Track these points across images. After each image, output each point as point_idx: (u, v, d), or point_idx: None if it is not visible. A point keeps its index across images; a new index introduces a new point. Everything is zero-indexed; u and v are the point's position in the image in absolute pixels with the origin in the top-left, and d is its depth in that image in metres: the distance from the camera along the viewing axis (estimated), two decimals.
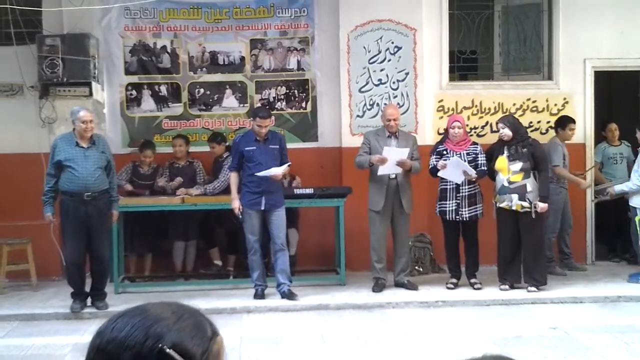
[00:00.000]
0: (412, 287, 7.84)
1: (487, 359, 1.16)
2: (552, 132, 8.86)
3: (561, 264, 8.74)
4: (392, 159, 7.54)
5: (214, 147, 8.58)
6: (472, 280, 7.87)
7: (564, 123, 8.65)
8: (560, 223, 8.60)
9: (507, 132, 7.61)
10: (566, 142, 8.62)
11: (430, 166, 7.79)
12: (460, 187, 7.65)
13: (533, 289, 7.61)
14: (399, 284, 7.91)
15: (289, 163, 7.61)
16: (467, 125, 8.61)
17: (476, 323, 6.79)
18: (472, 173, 7.54)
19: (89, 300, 7.22)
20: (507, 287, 7.70)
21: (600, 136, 9.42)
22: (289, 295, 7.45)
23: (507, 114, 8.63)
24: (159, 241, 8.62)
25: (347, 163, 8.45)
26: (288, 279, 7.53)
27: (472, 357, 1.19)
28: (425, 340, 6.25)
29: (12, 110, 8.57)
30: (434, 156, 7.82)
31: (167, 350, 1.18)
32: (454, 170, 7.55)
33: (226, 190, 7.98)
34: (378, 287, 7.79)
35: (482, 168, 7.69)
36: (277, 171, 7.35)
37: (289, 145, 8.14)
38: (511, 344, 6.05)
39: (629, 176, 8.33)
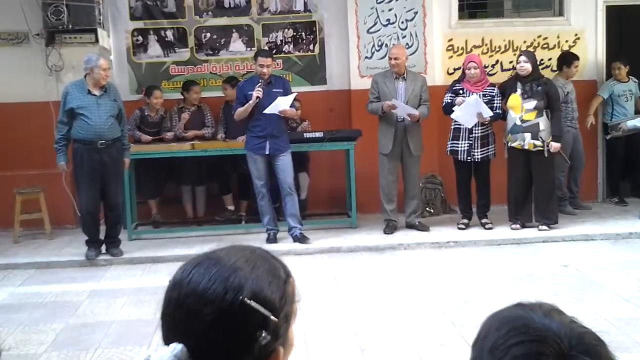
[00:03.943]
0: (423, 228, 7.87)
1: (542, 305, 1.15)
2: None
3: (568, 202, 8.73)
4: (402, 109, 7.49)
5: (227, 89, 8.41)
6: (483, 221, 7.89)
7: (569, 60, 8.54)
8: (572, 162, 8.56)
9: (527, 67, 7.50)
10: (571, 79, 8.53)
11: (444, 103, 7.73)
12: (474, 128, 7.58)
13: (544, 227, 7.62)
14: (410, 226, 7.94)
15: (296, 93, 7.54)
16: None
17: (488, 263, 6.83)
18: (488, 115, 7.46)
19: (103, 248, 7.30)
20: (518, 226, 7.72)
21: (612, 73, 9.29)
22: (301, 239, 7.49)
23: (525, 50, 8.45)
24: (165, 186, 8.65)
25: (357, 106, 8.40)
26: (299, 223, 7.57)
27: (524, 301, 1.18)
28: (437, 280, 6.30)
29: (18, 58, 8.49)
30: (449, 94, 7.74)
31: (248, 302, 1.17)
32: (469, 112, 7.47)
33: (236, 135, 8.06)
34: (389, 229, 7.82)
35: (498, 111, 7.62)
36: (284, 101, 7.26)
37: (298, 89, 8.10)
38: (523, 283, 6.09)
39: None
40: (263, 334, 1.17)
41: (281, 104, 7.24)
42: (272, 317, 1.19)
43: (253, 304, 1.17)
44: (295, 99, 7.57)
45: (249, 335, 1.17)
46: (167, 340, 1.21)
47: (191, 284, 1.20)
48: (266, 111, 7.19)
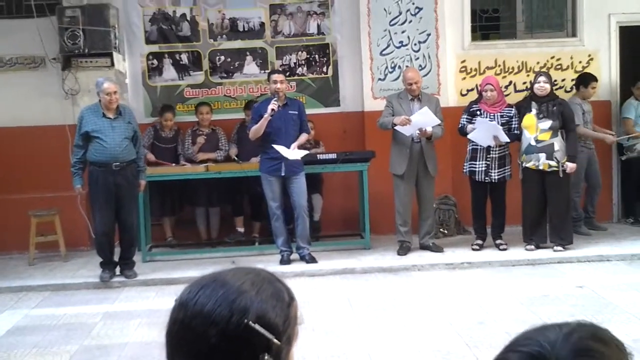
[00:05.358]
0: (437, 249, 7.85)
1: (580, 326, 1.11)
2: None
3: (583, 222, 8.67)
4: (415, 124, 7.47)
5: (248, 114, 8.29)
6: (498, 241, 7.85)
7: (587, 81, 8.51)
8: (588, 182, 8.53)
9: (547, 87, 7.50)
10: (587, 99, 8.51)
11: (460, 125, 7.74)
12: (491, 149, 7.56)
13: (559, 248, 7.58)
14: (424, 247, 7.91)
15: (306, 135, 7.60)
16: None
17: (502, 284, 6.79)
18: (505, 140, 7.45)
19: (117, 270, 7.32)
20: (533, 247, 7.68)
21: (629, 93, 9.24)
22: (309, 259, 7.50)
23: (541, 70, 8.44)
24: (181, 207, 8.70)
25: (370, 127, 8.41)
26: (307, 243, 7.60)
27: (563, 322, 1.13)
28: (452, 302, 6.27)
29: (35, 82, 8.60)
30: (466, 116, 7.74)
31: (253, 325, 1.19)
32: (484, 132, 7.46)
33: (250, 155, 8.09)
34: (403, 250, 7.81)
35: (516, 132, 7.60)
36: (293, 154, 7.32)
37: (311, 111, 8.14)
38: (538, 304, 6.05)
39: None
40: (266, 357, 1.19)
41: (283, 152, 7.29)
42: (275, 340, 1.20)
43: (257, 327, 1.18)
44: (307, 120, 7.61)
45: (252, 358, 1.18)
46: None
47: (197, 305, 1.22)
48: (274, 146, 7.24)
